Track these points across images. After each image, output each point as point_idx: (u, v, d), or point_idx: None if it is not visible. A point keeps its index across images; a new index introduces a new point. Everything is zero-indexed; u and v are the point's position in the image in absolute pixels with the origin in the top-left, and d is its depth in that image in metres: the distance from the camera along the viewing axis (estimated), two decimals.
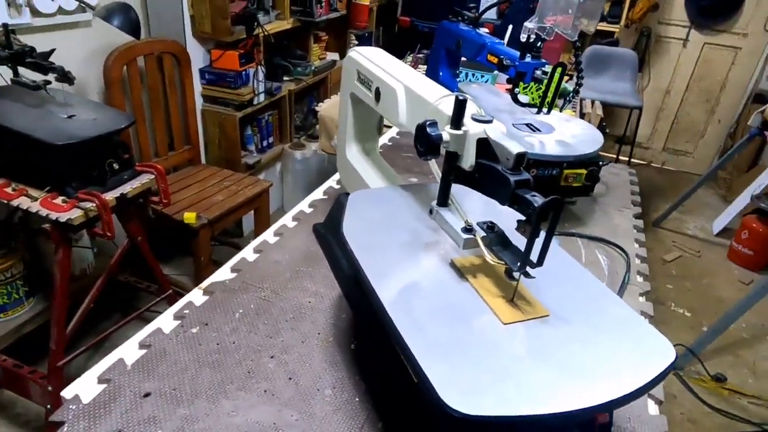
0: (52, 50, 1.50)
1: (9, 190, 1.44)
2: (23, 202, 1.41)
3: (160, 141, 2.27)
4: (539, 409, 0.47)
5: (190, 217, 2.01)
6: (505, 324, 0.56)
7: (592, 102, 2.67)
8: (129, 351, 0.76)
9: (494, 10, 2.84)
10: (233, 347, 0.77)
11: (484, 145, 0.63)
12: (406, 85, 0.79)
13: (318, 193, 1.24)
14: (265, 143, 2.94)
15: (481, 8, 1.50)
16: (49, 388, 1.56)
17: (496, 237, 0.64)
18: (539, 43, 1.13)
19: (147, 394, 0.68)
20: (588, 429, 0.59)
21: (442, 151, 0.66)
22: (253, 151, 2.87)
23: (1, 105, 1.43)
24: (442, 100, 0.69)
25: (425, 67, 2.11)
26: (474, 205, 0.74)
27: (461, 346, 0.53)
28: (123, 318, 1.88)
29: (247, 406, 0.67)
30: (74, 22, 1.89)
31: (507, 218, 0.63)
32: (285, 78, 2.93)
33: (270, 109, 2.89)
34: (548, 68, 1.14)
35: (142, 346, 0.76)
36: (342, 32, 3.47)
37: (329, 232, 0.75)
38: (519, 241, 0.60)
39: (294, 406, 0.68)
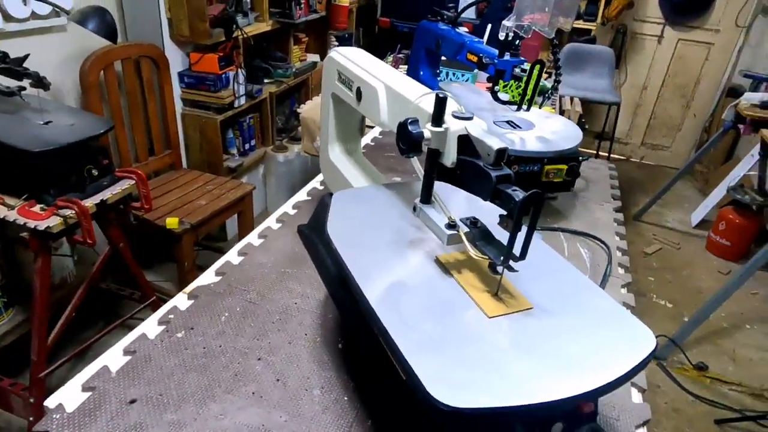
0: (26, 55, 1.47)
1: None
2: None
3: (140, 146, 2.24)
4: (526, 400, 0.48)
5: (172, 222, 1.98)
6: (490, 318, 0.57)
7: (572, 99, 2.71)
8: (113, 358, 0.75)
9: (473, 10, 2.87)
10: (219, 350, 0.76)
11: (465, 142, 0.63)
12: (386, 84, 0.80)
13: (302, 195, 1.24)
14: (247, 146, 2.92)
15: (460, 8, 1.51)
16: (31, 400, 1.53)
17: (479, 232, 0.65)
18: (517, 41, 1.14)
19: (133, 401, 0.67)
20: (574, 418, 0.60)
21: (424, 148, 0.66)
22: (235, 154, 2.85)
23: None
24: (423, 98, 0.70)
25: (406, 67, 2.12)
26: (457, 202, 0.75)
27: (448, 342, 0.54)
28: (106, 326, 1.86)
29: (235, 409, 0.67)
30: (49, 27, 1.86)
31: (490, 214, 0.64)
32: (266, 80, 2.92)
33: (251, 111, 2.87)
34: (527, 66, 1.15)
35: (126, 352, 0.75)
36: (322, 34, 3.46)
37: (314, 233, 0.75)
38: (502, 236, 0.61)
39: (282, 407, 0.68)
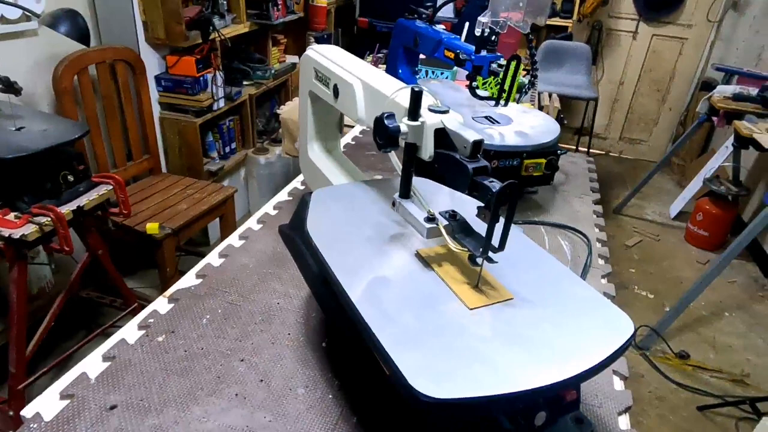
0: None
1: None
2: None
3: (118, 151, 2.21)
4: (508, 388, 0.48)
5: (152, 227, 1.96)
6: (471, 309, 0.57)
7: (550, 95, 2.73)
8: (92, 364, 0.73)
9: (451, 8, 2.89)
10: (201, 353, 0.75)
11: (442, 135, 0.64)
12: (363, 80, 0.80)
13: (283, 195, 1.23)
14: (227, 149, 2.89)
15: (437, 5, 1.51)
16: (11, 413, 1.50)
17: (458, 225, 0.65)
18: (493, 36, 1.15)
19: (113, 407, 0.66)
20: (557, 407, 0.60)
21: (401, 143, 0.66)
22: (215, 157, 2.82)
23: None
24: (399, 93, 0.70)
25: (385, 66, 2.12)
26: (437, 197, 0.75)
27: (429, 334, 0.54)
28: (87, 336, 1.82)
29: (219, 411, 0.66)
30: (19, 32, 1.82)
31: (470, 208, 0.64)
32: (245, 82, 2.90)
33: (231, 114, 2.85)
34: (504, 61, 1.16)
35: (105, 358, 0.74)
36: (300, 35, 3.45)
37: (295, 232, 0.74)
38: (481, 228, 0.61)
39: (266, 407, 0.67)
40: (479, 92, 1.21)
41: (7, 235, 1.33)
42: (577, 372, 0.50)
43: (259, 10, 2.81)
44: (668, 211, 3.61)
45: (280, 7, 2.86)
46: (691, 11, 3.94)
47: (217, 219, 2.38)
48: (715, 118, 2.82)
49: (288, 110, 2.34)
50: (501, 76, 1.15)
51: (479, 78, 1.19)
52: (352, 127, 1.68)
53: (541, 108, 2.41)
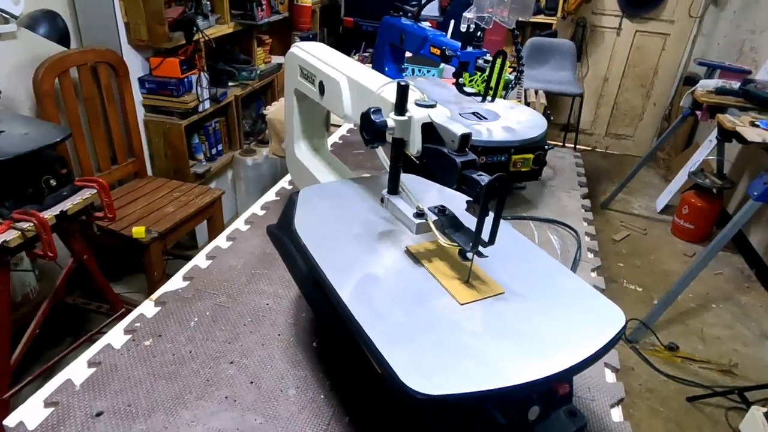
0: None
1: None
2: None
3: (102, 155, 2.17)
4: (500, 383, 0.47)
5: (139, 231, 1.93)
6: (462, 304, 0.57)
7: (536, 91, 2.74)
8: (77, 371, 0.72)
9: (437, 6, 2.89)
10: (190, 356, 0.74)
11: (429, 130, 0.63)
12: (348, 76, 0.79)
13: (270, 195, 1.22)
14: (214, 151, 2.87)
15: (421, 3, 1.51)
16: None
17: (447, 220, 0.64)
18: (479, 32, 1.15)
19: (99, 413, 0.64)
20: (550, 401, 0.60)
21: (389, 138, 0.65)
22: (201, 159, 2.79)
23: None
24: (385, 88, 0.69)
25: (371, 65, 2.11)
26: (425, 193, 0.75)
27: (420, 331, 0.53)
28: (73, 343, 1.79)
29: (208, 415, 0.65)
30: None
31: (459, 203, 0.64)
32: (230, 83, 2.87)
33: (217, 115, 2.82)
34: (489, 57, 1.16)
35: (91, 364, 0.73)
36: (286, 35, 3.43)
37: (283, 232, 0.73)
38: (471, 223, 0.60)
39: (257, 409, 0.66)
40: (466, 89, 1.21)
41: None
42: (570, 365, 0.50)
43: (244, 10, 2.79)
44: (654, 205, 3.65)
45: (264, 7, 2.84)
46: (673, 7, 3.98)
47: (205, 222, 2.35)
48: (698, 112, 2.85)
49: (274, 111, 2.32)
50: (487, 72, 1.15)
51: (465, 75, 1.19)
52: (339, 126, 1.67)
53: (527, 104, 2.42)
